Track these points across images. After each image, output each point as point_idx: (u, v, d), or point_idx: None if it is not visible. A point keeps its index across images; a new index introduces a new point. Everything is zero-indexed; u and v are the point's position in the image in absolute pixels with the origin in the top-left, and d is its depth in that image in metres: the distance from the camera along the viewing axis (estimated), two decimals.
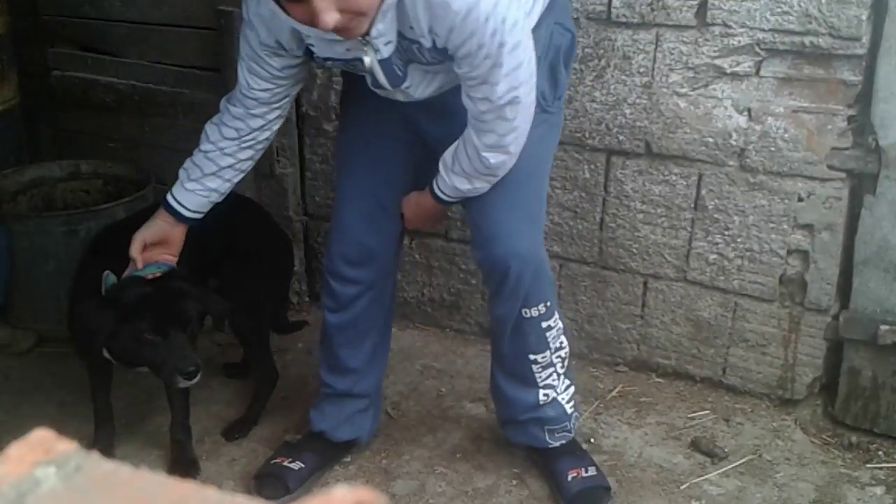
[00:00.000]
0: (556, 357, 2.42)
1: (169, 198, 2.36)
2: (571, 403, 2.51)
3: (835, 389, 2.76)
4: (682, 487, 2.53)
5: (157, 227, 2.37)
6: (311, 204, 3.38)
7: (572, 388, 2.52)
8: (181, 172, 2.37)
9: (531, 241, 2.28)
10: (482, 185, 2.16)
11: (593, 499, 2.44)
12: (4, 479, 0.51)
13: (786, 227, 2.67)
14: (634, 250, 2.91)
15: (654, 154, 2.78)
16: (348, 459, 2.65)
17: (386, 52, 1.95)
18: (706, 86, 2.66)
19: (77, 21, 3.57)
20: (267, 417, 2.82)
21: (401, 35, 1.91)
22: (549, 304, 2.33)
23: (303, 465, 2.53)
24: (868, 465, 2.60)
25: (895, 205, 2.52)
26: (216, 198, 2.38)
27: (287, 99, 2.27)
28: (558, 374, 2.45)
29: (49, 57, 3.67)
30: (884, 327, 2.58)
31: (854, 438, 2.69)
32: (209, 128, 2.33)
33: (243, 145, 2.31)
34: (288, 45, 2.07)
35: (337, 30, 1.80)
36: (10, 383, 3.06)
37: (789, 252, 2.70)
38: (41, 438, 0.54)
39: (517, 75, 1.93)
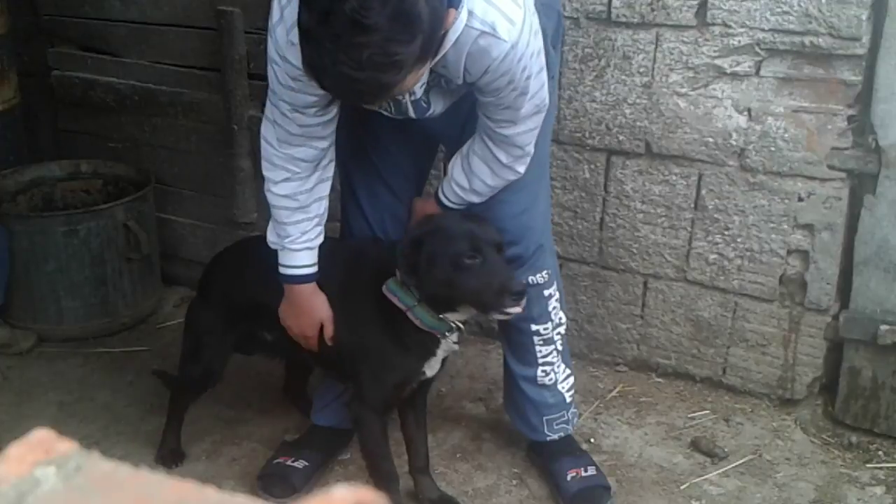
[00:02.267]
0: (557, 333, 2.48)
1: (305, 271, 2.21)
2: (571, 393, 2.55)
3: (835, 389, 2.76)
4: (682, 487, 2.53)
5: (320, 301, 2.24)
6: None
7: (572, 378, 2.56)
8: (295, 246, 2.19)
9: (536, 212, 2.35)
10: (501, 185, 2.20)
11: (593, 498, 2.45)
12: (4, 479, 0.51)
13: (786, 227, 2.67)
14: (634, 250, 2.91)
15: (654, 154, 2.78)
16: (348, 457, 2.65)
17: (419, 92, 1.99)
18: (706, 86, 2.66)
19: (77, 21, 3.57)
20: (267, 417, 2.82)
21: (431, 72, 1.93)
22: (550, 272, 2.41)
23: (307, 463, 2.54)
24: (868, 465, 2.60)
25: (895, 205, 2.52)
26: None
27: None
28: (558, 352, 2.49)
29: (49, 57, 3.67)
30: (884, 327, 2.58)
31: (854, 438, 2.69)
32: (293, 218, 2.16)
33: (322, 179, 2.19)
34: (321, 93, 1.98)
35: None
36: (10, 383, 3.06)
37: (789, 252, 2.70)
38: (41, 438, 0.54)
39: (541, 94, 2.01)
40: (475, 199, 2.21)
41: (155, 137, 3.54)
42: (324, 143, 2.10)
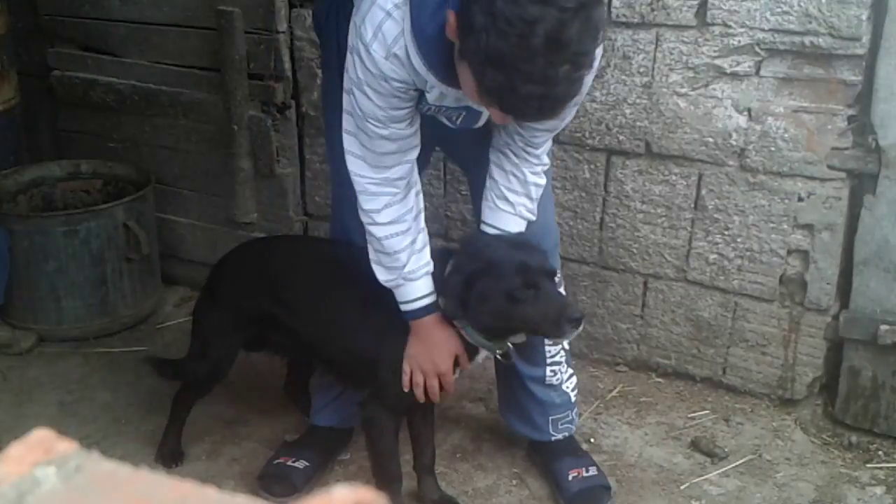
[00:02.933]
0: None
1: (428, 301, 2.13)
2: (575, 392, 2.57)
3: (835, 389, 2.76)
4: (682, 487, 2.53)
5: (449, 331, 2.17)
6: (311, 204, 3.38)
7: (575, 378, 2.58)
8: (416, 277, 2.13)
9: (551, 212, 2.40)
10: None
11: (593, 498, 2.45)
12: (4, 479, 0.51)
13: (786, 227, 2.67)
14: (634, 250, 2.91)
15: (654, 154, 2.78)
16: (348, 457, 2.65)
17: None
18: (706, 86, 2.66)
19: (77, 21, 3.57)
20: (266, 418, 2.82)
21: None
22: (559, 275, 2.43)
23: (307, 464, 2.54)
24: (868, 465, 2.60)
25: (895, 205, 2.52)
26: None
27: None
28: (565, 352, 2.51)
29: (49, 57, 3.67)
30: (884, 327, 2.58)
31: (854, 438, 2.69)
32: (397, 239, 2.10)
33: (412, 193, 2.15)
34: (409, 105, 1.98)
35: None
36: (10, 383, 3.06)
37: (789, 252, 2.70)
38: (41, 438, 0.54)
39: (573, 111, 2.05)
40: (525, 222, 2.21)
41: (155, 137, 3.54)
42: (414, 154, 2.06)
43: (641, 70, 2.71)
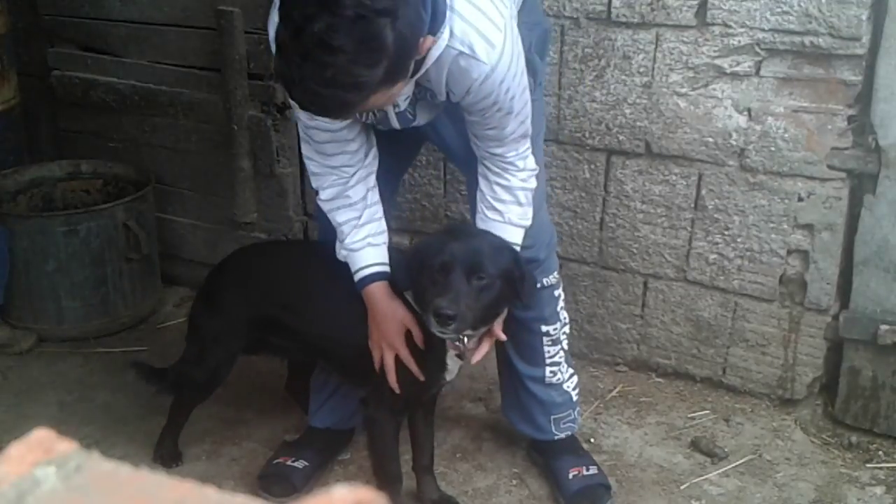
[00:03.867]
0: (563, 333, 2.51)
1: (372, 270, 2.20)
2: (576, 391, 2.57)
3: (835, 389, 2.76)
4: (682, 487, 2.53)
5: (398, 303, 2.20)
6: (311, 204, 3.37)
7: (576, 377, 2.59)
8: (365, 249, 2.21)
9: (545, 214, 2.41)
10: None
11: (593, 497, 2.45)
12: (4, 479, 0.51)
13: (786, 227, 2.67)
14: (634, 250, 2.91)
15: (654, 154, 2.78)
16: (348, 457, 2.65)
17: (403, 105, 2.03)
18: (706, 86, 2.65)
19: (77, 21, 3.57)
20: (266, 418, 2.82)
21: (417, 85, 1.98)
22: (557, 273, 2.48)
23: (307, 463, 2.54)
24: (868, 465, 2.60)
25: (895, 205, 2.52)
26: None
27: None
28: (564, 352, 2.52)
29: (49, 57, 3.67)
30: (884, 327, 2.58)
31: (854, 438, 2.69)
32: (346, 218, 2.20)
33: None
34: None
35: None
36: (10, 383, 3.06)
37: (789, 252, 2.70)
38: (41, 438, 0.54)
39: (525, 111, 2.04)
40: (522, 228, 2.20)
41: (155, 137, 3.54)
42: (355, 146, 2.13)
43: (641, 70, 2.71)
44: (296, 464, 2.54)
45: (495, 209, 2.17)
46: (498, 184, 2.15)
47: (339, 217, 2.18)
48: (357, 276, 2.19)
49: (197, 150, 3.47)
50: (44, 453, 0.53)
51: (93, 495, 0.51)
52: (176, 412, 2.62)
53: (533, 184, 2.18)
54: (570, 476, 2.48)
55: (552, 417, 2.53)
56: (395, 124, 2.09)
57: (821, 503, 2.47)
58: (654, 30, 2.66)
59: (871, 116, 2.48)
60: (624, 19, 2.68)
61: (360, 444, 2.65)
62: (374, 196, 2.21)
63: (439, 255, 2.05)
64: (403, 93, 1.94)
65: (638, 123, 2.76)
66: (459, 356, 2.21)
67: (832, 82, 2.51)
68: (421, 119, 2.11)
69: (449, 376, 2.28)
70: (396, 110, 2.04)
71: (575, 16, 2.73)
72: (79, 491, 0.51)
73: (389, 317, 2.17)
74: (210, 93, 3.32)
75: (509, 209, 2.16)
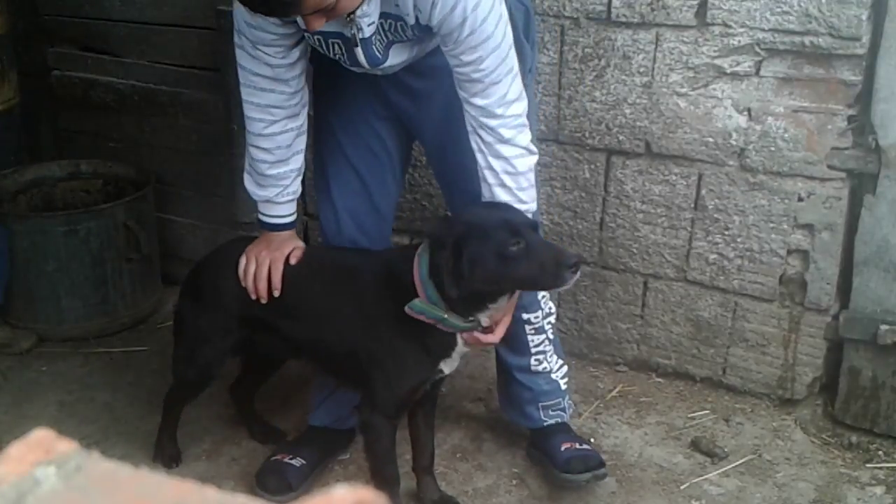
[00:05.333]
0: (547, 323, 2.51)
1: (289, 220, 2.35)
2: (566, 381, 2.58)
3: (835, 389, 2.76)
4: (682, 487, 2.53)
5: (296, 239, 2.36)
6: (311, 204, 3.37)
7: (566, 368, 2.60)
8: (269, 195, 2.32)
9: None
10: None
11: (586, 462, 2.45)
12: (4, 479, 0.51)
13: (786, 227, 2.67)
14: (634, 250, 2.91)
15: (654, 154, 2.78)
16: (348, 457, 2.65)
17: (368, 31, 1.99)
18: (706, 86, 2.66)
19: (77, 21, 3.57)
20: (266, 417, 2.82)
21: (385, 14, 1.96)
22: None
23: (304, 462, 2.54)
24: (868, 465, 2.60)
25: (895, 205, 2.52)
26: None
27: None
28: (549, 341, 2.52)
29: (49, 57, 3.67)
30: (884, 327, 2.58)
31: (854, 438, 2.69)
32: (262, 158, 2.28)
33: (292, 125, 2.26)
34: (280, 31, 2.08)
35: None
36: (10, 383, 3.06)
37: (789, 252, 2.70)
38: (41, 438, 0.54)
39: (503, 45, 1.97)
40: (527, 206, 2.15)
41: (155, 137, 3.54)
42: (290, 88, 2.18)
43: (641, 70, 2.71)
44: (293, 461, 2.53)
45: (487, 181, 2.10)
46: (489, 164, 2.06)
47: (268, 169, 2.26)
48: (271, 220, 2.31)
49: (197, 150, 3.47)
50: (44, 453, 0.53)
51: (93, 495, 0.51)
52: (168, 410, 2.61)
53: (524, 166, 2.08)
54: (563, 448, 2.48)
55: (540, 405, 2.55)
56: (363, 61, 2.06)
57: (821, 503, 2.47)
58: (654, 30, 2.66)
59: (871, 116, 2.48)
60: (624, 19, 2.68)
61: (360, 443, 2.64)
62: (302, 160, 2.30)
63: (501, 231, 1.98)
64: (366, 12, 1.92)
65: (638, 123, 2.76)
66: (470, 343, 2.18)
67: (832, 82, 2.51)
68: (392, 60, 2.08)
69: (448, 368, 2.25)
70: (361, 36, 1.99)
71: (575, 16, 2.73)
72: (79, 491, 0.51)
73: (283, 248, 2.29)
74: (210, 93, 3.32)
75: (500, 174, 2.09)
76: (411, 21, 1.95)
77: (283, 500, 2.41)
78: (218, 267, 2.44)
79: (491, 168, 2.07)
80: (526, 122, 2.07)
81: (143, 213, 3.36)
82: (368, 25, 1.97)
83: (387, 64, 2.09)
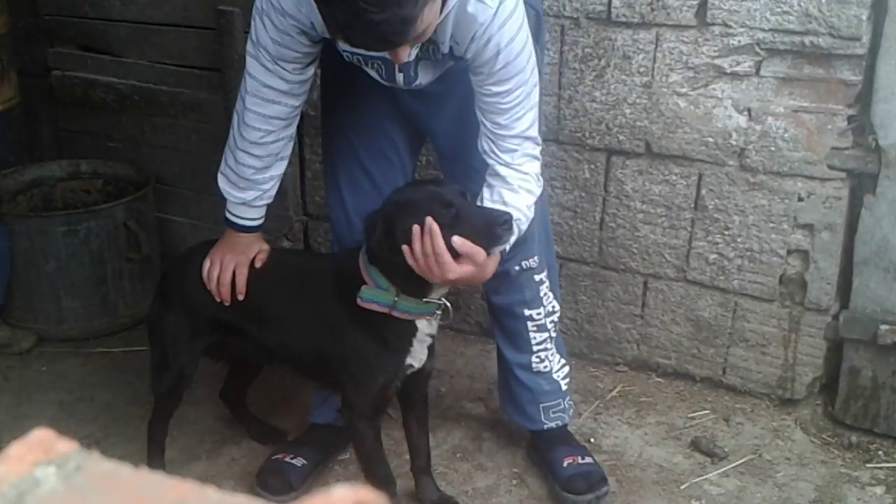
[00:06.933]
0: (550, 321, 2.50)
1: (258, 223, 2.33)
2: (566, 381, 2.58)
3: (835, 389, 2.76)
4: (682, 487, 2.53)
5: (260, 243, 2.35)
6: (311, 204, 3.38)
7: (567, 368, 2.59)
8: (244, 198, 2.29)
9: None
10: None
11: (590, 481, 2.45)
12: (4, 479, 0.51)
13: (786, 227, 2.67)
14: (634, 250, 2.91)
15: (654, 154, 2.78)
16: (348, 457, 2.65)
17: (413, 55, 2.00)
18: (706, 86, 2.66)
19: (77, 21, 3.58)
20: (267, 417, 2.82)
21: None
22: (539, 258, 2.43)
23: (305, 461, 2.54)
24: (868, 465, 2.60)
25: (895, 205, 2.52)
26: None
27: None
28: (551, 339, 2.52)
29: (49, 57, 3.67)
30: (884, 327, 2.58)
31: (854, 438, 2.69)
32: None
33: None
34: (306, 50, 2.08)
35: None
36: (10, 383, 3.06)
37: (789, 252, 2.70)
38: (41, 438, 0.54)
39: (532, 78, 2.02)
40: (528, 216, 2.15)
41: (155, 137, 3.54)
42: (297, 101, 2.19)
43: (641, 70, 2.71)
44: (294, 461, 2.53)
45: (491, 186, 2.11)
46: (499, 174, 2.08)
47: (251, 174, 2.24)
48: (240, 221, 2.29)
49: (197, 150, 3.47)
50: (44, 453, 0.53)
51: (93, 495, 0.51)
52: (153, 429, 2.49)
53: (532, 185, 2.10)
54: (565, 464, 2.48)
55: (541, 406, 2.54)
56: (401, 81, 2.08)
57: (821, 503, 2.47)
58: (654, 30, 2.66)
59: (871, 116, 2.48)
60: (624, 19, 2.68)
61: None
62: (284, 166, 2.30)
63: (429, 201, 2.00)
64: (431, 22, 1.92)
65: (638, 123, 2.76)
66: (444, 313, 2.17)
67: (832, 82, 2.51)
68: (422, 79, 2.10)
69: (417, 362, 2.22)
70: (408, 58, 1.99)
71: (575, 16, 2.73)
72: (79, 491, 0.51)
73: (246, 252, 2.29)
74: (210, 93, 3.32)
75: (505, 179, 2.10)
76: (445, 49, 1.98)
77: (283, 499, 2.41)
78: (185, 270, 2.40)
79: (490, 185, 2.10)
80: (539, 155, 2.11)
81: (143, 213, 3.36)
82: (413, 50, 1.97)
83: (418, 82, 2.10)
